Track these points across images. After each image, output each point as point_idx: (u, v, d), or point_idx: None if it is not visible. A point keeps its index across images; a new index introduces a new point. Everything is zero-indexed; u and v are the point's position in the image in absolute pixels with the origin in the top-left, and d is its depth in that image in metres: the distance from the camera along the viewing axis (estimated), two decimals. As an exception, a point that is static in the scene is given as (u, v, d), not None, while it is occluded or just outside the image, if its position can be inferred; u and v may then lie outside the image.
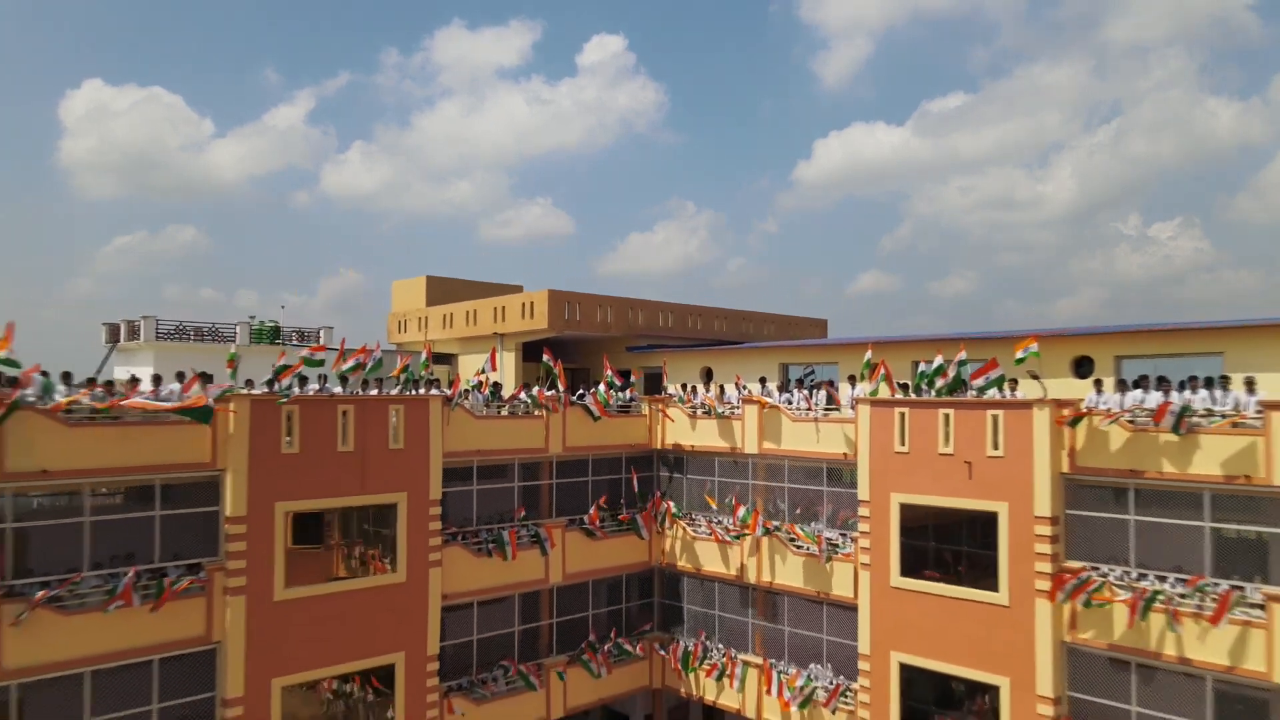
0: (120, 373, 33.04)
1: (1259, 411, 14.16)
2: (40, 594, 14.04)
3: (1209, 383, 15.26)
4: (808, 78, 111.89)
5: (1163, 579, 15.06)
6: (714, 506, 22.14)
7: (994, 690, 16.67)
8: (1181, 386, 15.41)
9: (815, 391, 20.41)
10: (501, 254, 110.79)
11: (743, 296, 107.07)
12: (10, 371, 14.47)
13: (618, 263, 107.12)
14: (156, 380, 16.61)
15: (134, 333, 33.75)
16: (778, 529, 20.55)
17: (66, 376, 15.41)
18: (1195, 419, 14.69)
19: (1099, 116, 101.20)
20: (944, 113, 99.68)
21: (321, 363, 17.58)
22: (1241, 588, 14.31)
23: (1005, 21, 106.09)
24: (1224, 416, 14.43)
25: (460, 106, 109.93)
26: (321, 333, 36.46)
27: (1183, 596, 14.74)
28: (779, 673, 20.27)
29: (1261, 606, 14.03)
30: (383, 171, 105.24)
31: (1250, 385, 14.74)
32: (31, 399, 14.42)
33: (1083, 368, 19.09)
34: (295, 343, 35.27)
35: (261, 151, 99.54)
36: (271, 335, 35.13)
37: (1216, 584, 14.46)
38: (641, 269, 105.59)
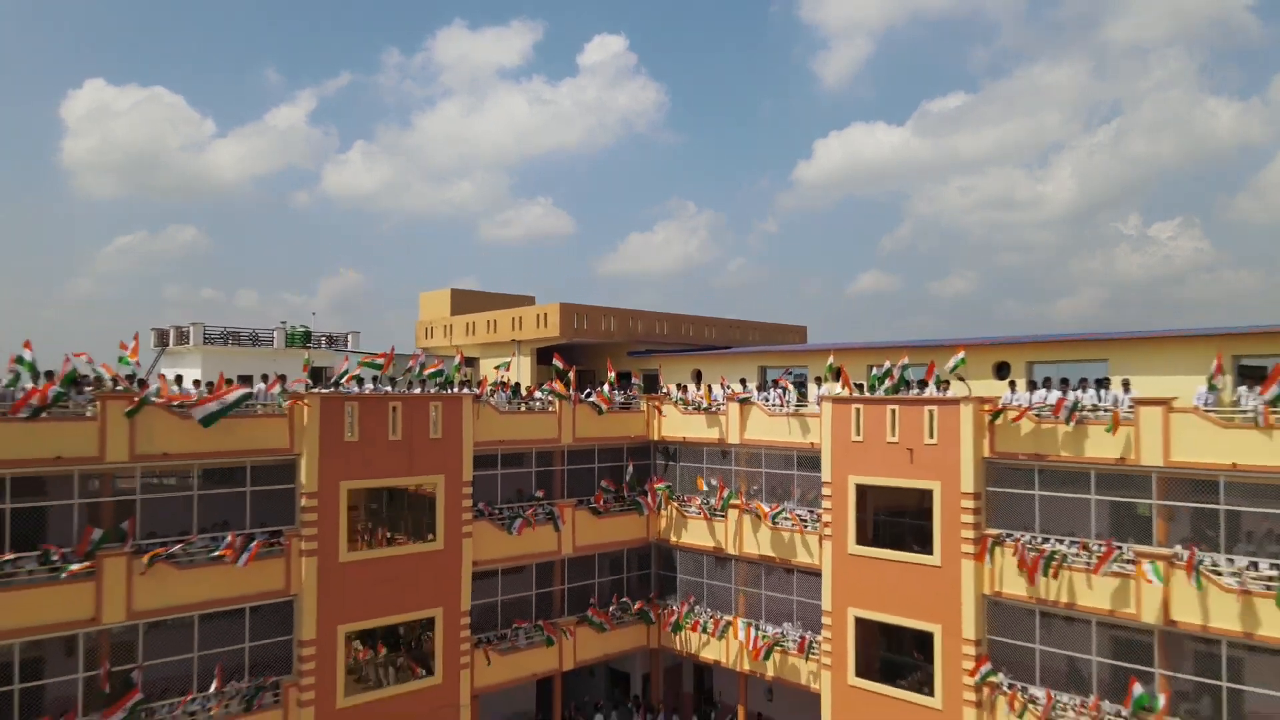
0: (168, 374, 36.73)
1: (1130, 406, 17.80)
2: (162, 550, 17.66)
3: (1097, 384, 18.91)
4: (808, 78, 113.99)
5: (1060, 541, 18.70)
6: (703, 489, 25.77)
7: (928, 635, 20.31)
8: (1075, 387, 19.06)
9: (786, 391, 24.05)
10: (502, 254, 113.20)
11: (743, 296, 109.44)
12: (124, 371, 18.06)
13: (618, 262, 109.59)
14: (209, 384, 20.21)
15: (183, 337, 37.28)
16: (753, 509, 24.20)
17: (179, 380, 19.02)
18: (1084, 413, 18.33)
19: (1099, 116, 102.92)
20: (944, 113, 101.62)
21: (379, 367, 21.22)
22: (1120, 547, 17.93)
23: (1005, 22, 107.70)
24: (1106, 411, 18.06)
25: (461, 106, 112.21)
26: (349, 337, 40.08)
27: (1074, 555, 18.38)
28: (756, 629, 23.94)
29: (1133, 562, 17.65)
30: (383, 171, 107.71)
31: (1125, 385, 18.39)
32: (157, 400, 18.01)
33: (1002, 371, 22.71)
34: (324, 346, 38.96)
35: (262, 151, 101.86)
36: (303, 339, 38.69)
37: (1100, 545, 18.09)
38: (642, 269, 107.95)
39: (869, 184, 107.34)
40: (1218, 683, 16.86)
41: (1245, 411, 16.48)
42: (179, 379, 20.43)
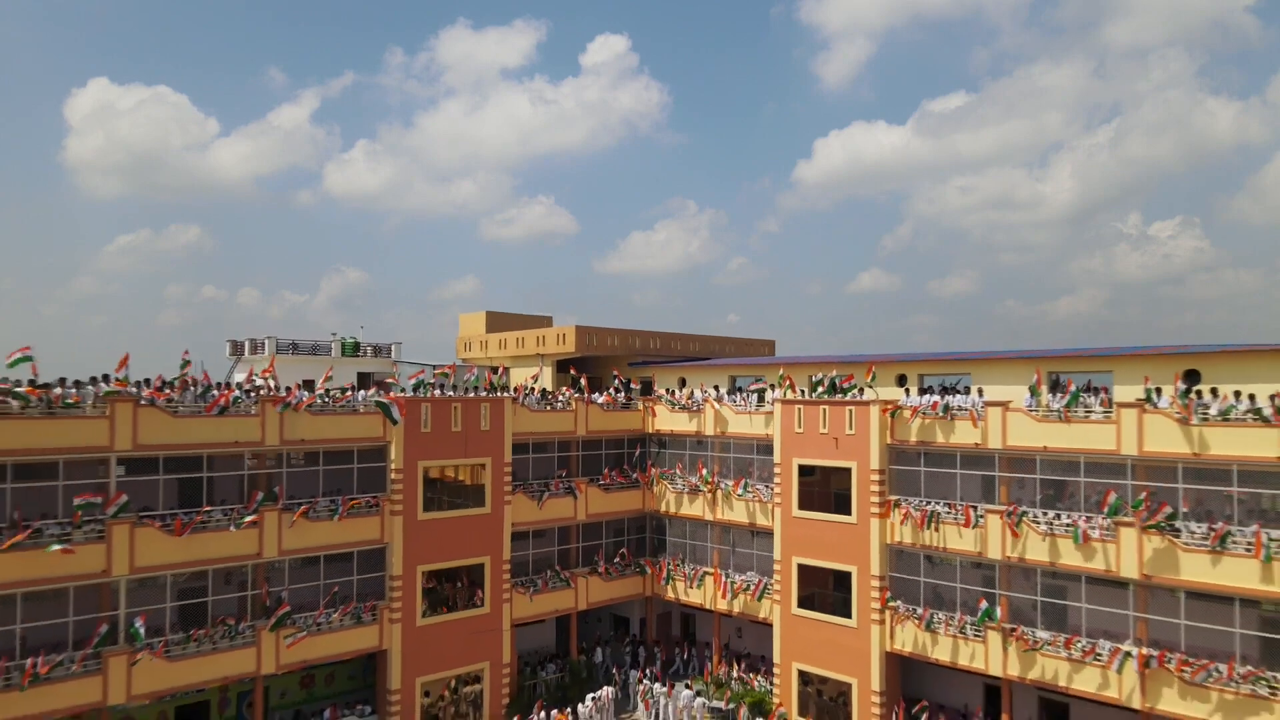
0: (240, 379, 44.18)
1: (983, 407, 25.23)
2: (299, 510, 25.12)
3: (963, 390, 26.40)
4: (809, 78, 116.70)
5: (939, 504, 26.14)
6: (682, 472, 33.23)
7: (848, 574, 27.75)
8: (948, 392, 26.55)
9: (751, 395, 31.55)
10: (503, 252, 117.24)
11: (743, 295, 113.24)
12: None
13: (619, 261, 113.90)
14: (309, 384, 27.67)
15: (257, 348, 44.73)
16: (726, 486, 31.66)
17: (309, 385, 26.51)
18: (953, 411, 25.76)
19: (1099, 117, 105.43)
20: (944, 113, 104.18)
21: (448, 376, 28.70)
22: (975, 507, 25.35)
23: (1005, 23, 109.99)
24: (965, 410, 25.51)
25: (464, 106, 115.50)
26: (393, 348, 47.55)
27: (946, 513, 25.82)
28: (726, 576, 31.42)
29: (983, 516, 25.07)
30: (386, 171, 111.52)
31: (980, 392, 25.88)
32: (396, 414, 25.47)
33: (900, 381, 30.13)
34: (370, 355, 46.42)
35: (266, 151, 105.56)
36: (353, 349, 46.20)
37: (963, 505, 25.54)
38: (644, 268, 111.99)
39: (869, 184, 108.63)
40: (1034, 597, 24.36)
41: (1052, 410, 23.96)
42: (307, 384, 27.84)
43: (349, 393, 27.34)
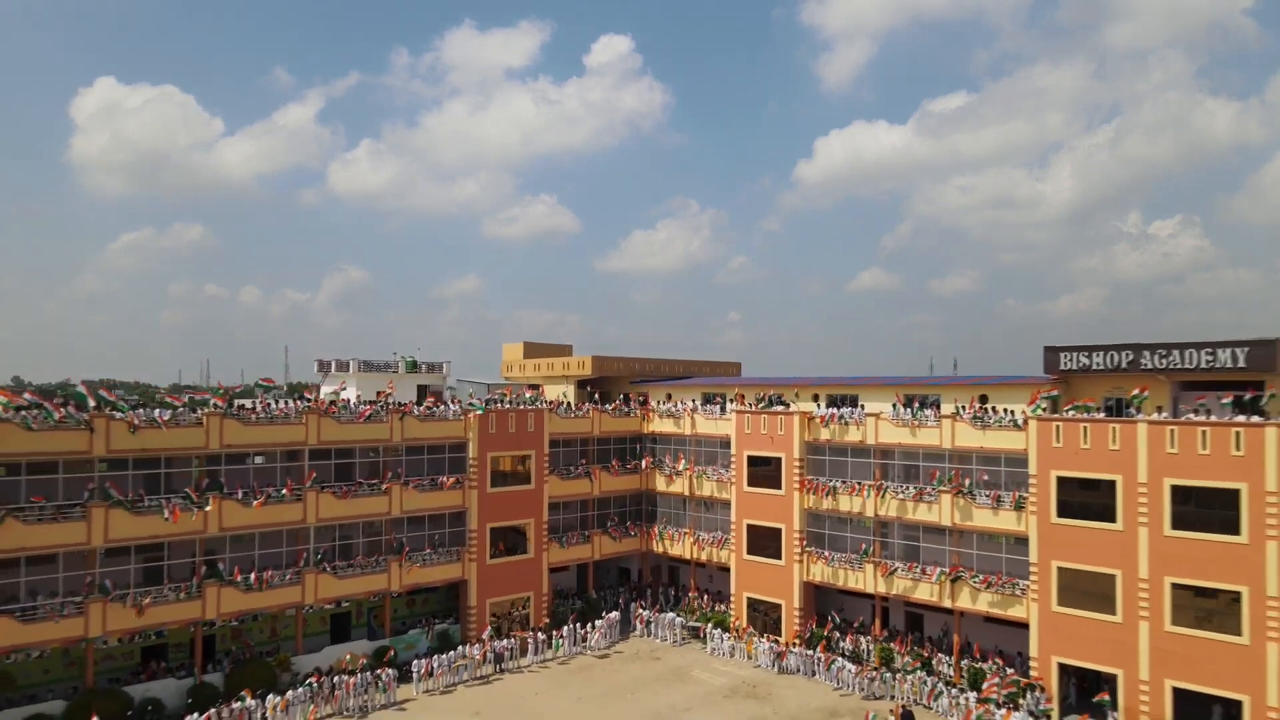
0: (326, 393, 57.33)
1: (864, 416, 38.25)
2: (412, 483, 38.17)
3: (852, 402, 39.51)
4: (810, 79, 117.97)
5: (837, 481, 39.16)
6: (668, 460, 46.27)
7: (778, 529, 40.78)
8: (844, 404, 39.67)
9: (724, 407, 44.65)
10: (504, 251, 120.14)
11: (744, 293, 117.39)
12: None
13: (620, 260, 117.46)
14: (422, 396, 40.76)
15: (343, 366, 57.69)
16: (699, 471, 44.70)
17: (422, 392, 39.54)
18: (847, 419, 38.79)
19: (1099, 117, 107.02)
20: (945, 113, 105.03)
21: (503, 394, 41.76)
22: (859, 483, 38.35)
23: (1006, 25, 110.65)
24: (853, 419, 38.53)
25: (468, 106, 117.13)
26: (444, 365, 60.65)
27: (841, 487, 38.86)
28: (699, 537, 44.52)
29: (864, 489, 38.07)
30: (389, 170, 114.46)
31: (862, 406, 38.98)
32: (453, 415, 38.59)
33: (815, 398, 43.14)
34: (425, 371, 59.46)
35: (270, 150, 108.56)
36: (413, 366, 59.24)
37: (851, 482, 38.56)
38: (644, 266, 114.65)
39: (870, 183, 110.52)
40: (894, 540, 37.48)
41: (904, 420, 37.01)
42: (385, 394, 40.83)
43: (441, 407, 40.44)
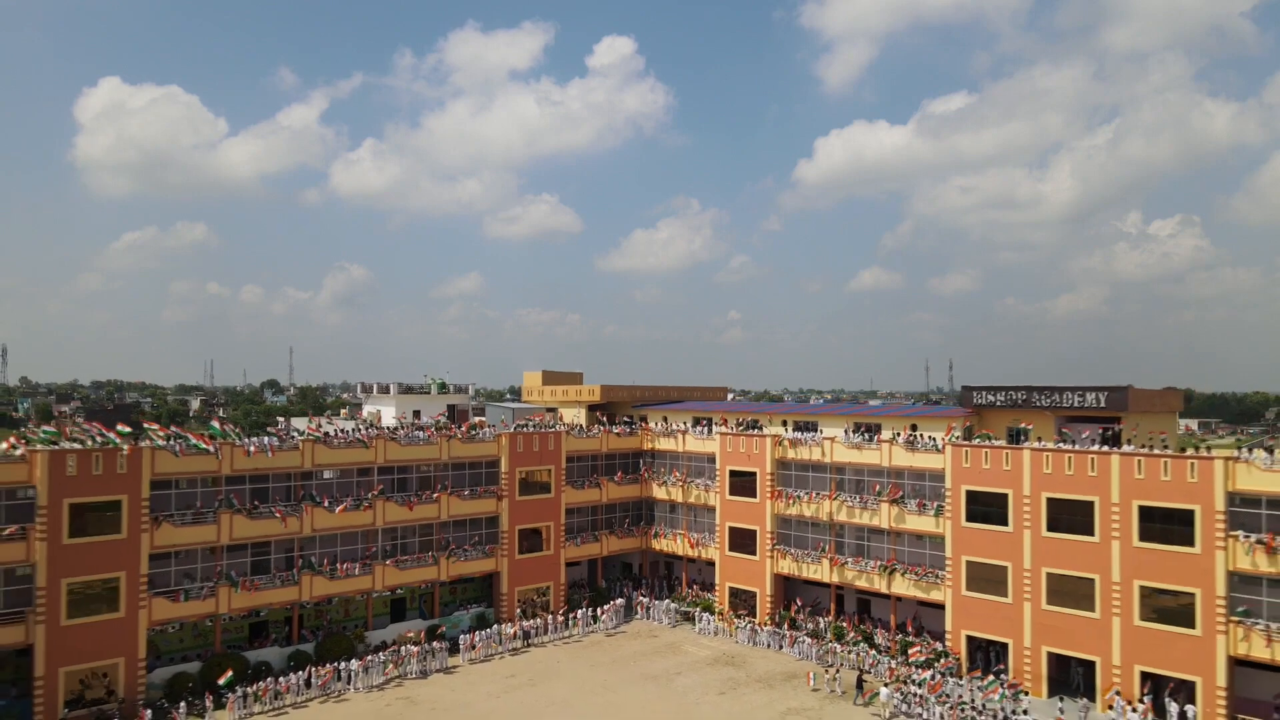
0: (369, 412, 66.41)
1: (822, 439, 47.26)
2: (460, 493, 47.21)
3: (813, 428, 48.58)
4: (811, 81, 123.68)
5: (800, 492, 48.16)
6: (665, 472, 55.31)
7: (754, 531, 49.78)
8: (808, 429, 48.70)
9: (709, 428, 53.71)
10: (506, 250, 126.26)
11: (744, 292, 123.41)
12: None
13: (621, 259, 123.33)
14: (454, 413, 49.84)
15: (384, 389, 66.75)
16: (690, 482, 53.71)
17: (451, 410, 48.59)
18: (809, 442, 47.79)
19: (1099, 118, 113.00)
20: (945, 114, 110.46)
21: (530, 419, 50.83)
22: (817, 493, 47.35)
23: (1006, 27, 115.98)
24: (813, 441, 47.55)
25: (471, 107, 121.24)
26: (470, 386, 69.82)
27: (805, 494, 47.89)
28: (692, 536, 53.58)
29: (822, 499, 47.08)
30: (392, 170, 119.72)
31: (819, 429, 48.03)
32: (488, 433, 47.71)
33: (785, 424, 52.08)
34: (453, 391, 68.58)
35: (274, 150, 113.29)
36: (442, 387, 68.43)
37: (811, 492, 47.56)
38: (646, 265, 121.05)
39: (870, 183, 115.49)
40: (846, 540, 46.53)
41: (854, 442, 46.02)
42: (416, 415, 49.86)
43: (478, 431, 49.48)
